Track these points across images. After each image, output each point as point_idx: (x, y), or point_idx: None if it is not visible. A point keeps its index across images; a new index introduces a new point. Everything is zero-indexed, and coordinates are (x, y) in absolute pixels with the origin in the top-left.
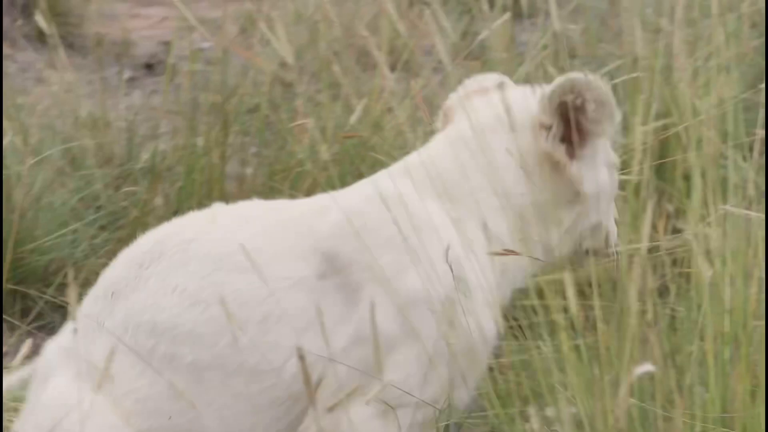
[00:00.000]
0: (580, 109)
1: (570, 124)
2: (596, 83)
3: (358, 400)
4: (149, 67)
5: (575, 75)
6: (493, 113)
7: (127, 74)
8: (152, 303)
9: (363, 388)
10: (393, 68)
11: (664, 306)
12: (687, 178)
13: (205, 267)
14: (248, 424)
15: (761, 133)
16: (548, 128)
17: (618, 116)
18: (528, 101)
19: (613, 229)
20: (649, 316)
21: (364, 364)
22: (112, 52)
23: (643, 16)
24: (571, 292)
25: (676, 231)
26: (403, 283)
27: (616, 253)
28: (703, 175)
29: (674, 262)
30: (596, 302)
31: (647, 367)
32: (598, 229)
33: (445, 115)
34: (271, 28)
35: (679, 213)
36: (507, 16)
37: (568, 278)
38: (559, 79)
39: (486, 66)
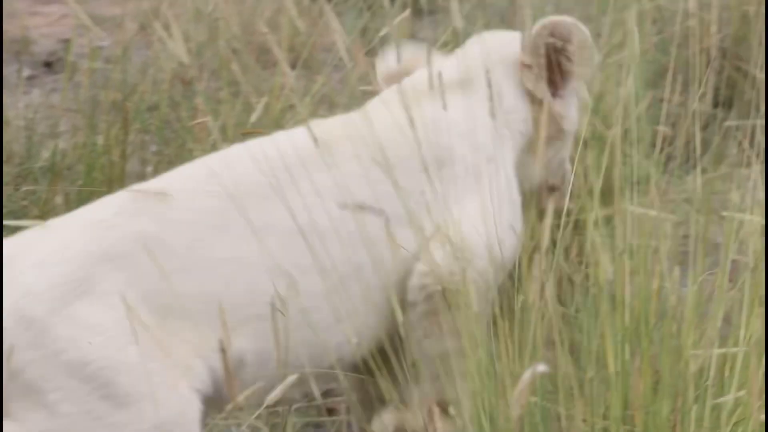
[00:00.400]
0: (561, 51)
1: (552, 66)
2: (577, 26)
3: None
4: (48, 65)
5: (556, 18)
6: (474, 61)
7: (26, 72)
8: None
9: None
10: (293, 66)
11: (566, 303)
12: (587, 175)
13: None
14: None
15: (663, 130)
16: (530, 68)
17: (597, 59)
18: (508, 44)
19: (569, 167)
20: (551, 313)
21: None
22: (11, 50)
23: (543, 13)
24: (472, 288)
25: (579, 228)
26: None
27: (569, 189)
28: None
29: (578, 257)
30: (496, 299)
31: (540, 367)
32: (563, 164)
33: (387, 81)
34: (167, 27)
35: (582, 210)
36: (407, 12)
37: None
38: (542, 22)
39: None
